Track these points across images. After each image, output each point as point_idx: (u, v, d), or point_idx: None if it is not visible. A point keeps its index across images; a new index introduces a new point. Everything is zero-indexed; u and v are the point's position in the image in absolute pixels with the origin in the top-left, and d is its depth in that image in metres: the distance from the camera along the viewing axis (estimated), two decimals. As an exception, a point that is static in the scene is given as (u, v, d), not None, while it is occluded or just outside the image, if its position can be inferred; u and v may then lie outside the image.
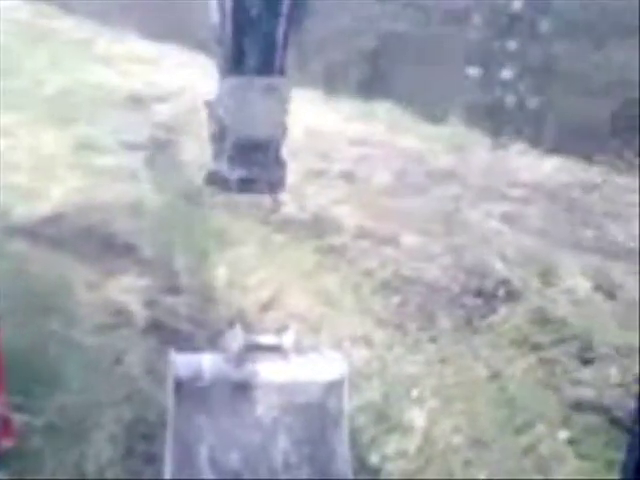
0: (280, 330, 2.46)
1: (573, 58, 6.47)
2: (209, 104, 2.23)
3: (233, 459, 2.47)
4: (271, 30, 2.06)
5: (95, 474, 2.69)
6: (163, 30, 8.38)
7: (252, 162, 2.15)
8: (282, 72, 2.09)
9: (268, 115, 2.10)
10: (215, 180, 2.24)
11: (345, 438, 2.49)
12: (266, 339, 2.45)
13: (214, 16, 2.01)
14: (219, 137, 2.16)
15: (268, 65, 2.08)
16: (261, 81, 2.06)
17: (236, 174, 2.17)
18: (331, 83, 7.37)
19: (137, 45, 8.48)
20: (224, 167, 2.18)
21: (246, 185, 2.19)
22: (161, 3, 8.57)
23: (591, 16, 6.42)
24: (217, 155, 2.21)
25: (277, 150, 2.18)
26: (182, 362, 2.45)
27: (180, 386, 2.40)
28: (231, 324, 2.58)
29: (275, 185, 2.23)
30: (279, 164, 2.21)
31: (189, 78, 7.42)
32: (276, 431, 2.51)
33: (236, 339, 2.43)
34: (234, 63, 2.06)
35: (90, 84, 7.04)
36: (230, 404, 2.48)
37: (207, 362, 2.47)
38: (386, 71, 7.43)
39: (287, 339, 2.46)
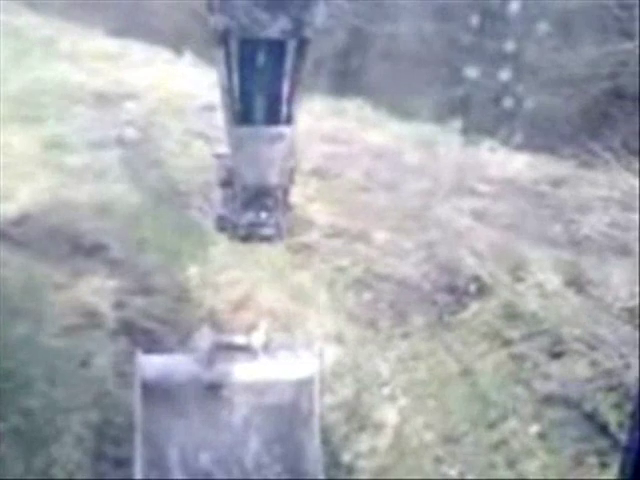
0: (250, 330, 2.44)
1: (543, 55, 6.51)
2: (218, 155, 2.37)
3: (204, 460, 2.45)
4: (276, 83, 2.14)
5: (64, 478, 2.64)
6: (127, 26, 8.29)
7: (261, 207, 2.26)
8: (289, 121, 2.17)
9: (275, 162, 2.19)
10: (224, 225, 2.36)
11: (316, 437, 2.49)
12: (235, 339, 2.43)
13: (222, 70, 2.07)
14: (228, 184, 2.27)
15: (274, 115, 2.16)
16: (268, 131, 2.14)
17: (245, 219, 2.27)
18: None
19: (102, 42, 8.37)
20: (233, 212, 2.29)
21: (255, 229, 2.30)
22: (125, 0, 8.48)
23: (562, 13, 6.46)
24: (226, 201, 2.32)
25: (285, 195, 2.31)
26: (149, 363, 2.41)
27: (147, 388, 2.37)
28: (201, 324, 2.56)
29: (282, 228, 2.35)
30: (287, 208, 2.34)
31: (155, 75, 7.34)
32: (247, 431, 2.49)
33: (205, 339, 2.41)
34: (242, 114, 2.14)
35: (56, 82, 6.93)
36: (199, 405, 2.46)
37: (175, 363, 2.44)
38: (357, 69, 7.42)
39: (257, 339, 2.44)
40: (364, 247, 4.60)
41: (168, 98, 6.69)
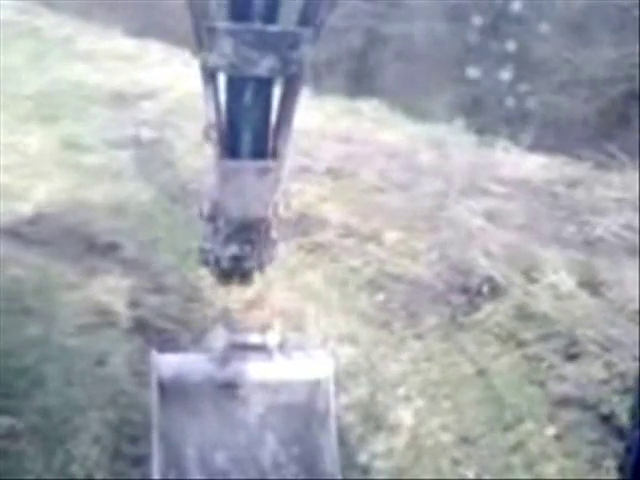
0: (265, 329, 2.44)
1: (560, 55, 6.49)
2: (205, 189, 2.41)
3: (221, 459, 2.46)
4: (263, 117, 2.19)
5: (83, 476, 2.66)
6: (144, 26, 8.33)
7: (244, 240, 2.27)
8: (275, 155, 2.20)
9: (261, 196, 2.21)
10: (207, 258, 2.36)
11: (333, 437, 2.48)
12: (250, 338, 2.43)
13: (209, 103, 2.11)
14: (213, 217, 2.27)
15: (261, 149, 2.20)
16: (254, 164, 2.17)
17: (229, 252, 2.28)
18: (317, 81, 7.35)
19: (120, 42, 8.41)
20: (217, 245, 2.29)
21: (238, 262, 2.30)
22: (143, 0, 8.52)
23: (578, 13, 6.44)
24: (210, 234, 2.32)
25: (268, 229, 2.29)
26: (164, 362, 2.42)
27: (163, 387, 2.38)
28: (215, 323, 2.57)
29: (265, 262, 2.36)
30: (270, 242, 2.33)
31: (172, 75, 7.37)
32: (263, 431, 2.49)
33: (219, 339, 2.41)
34: (229, 148, 2.18)
35: (73, 82, 6.97)
36: (215, 404, 2.46)
37: (190, 362, 2.45)
38: (372, 69, 7.42)
39: (271, 338, 2.44)
40: (377, 247, 4.60)
41: (184, 98, 6.72)
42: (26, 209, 4.61)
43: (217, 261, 2.32)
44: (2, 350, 3.04)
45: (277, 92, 2.21)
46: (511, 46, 6.65)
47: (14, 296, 3.66)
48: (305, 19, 2.13)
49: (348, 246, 4.57)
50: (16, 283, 3.79)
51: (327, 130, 6.38)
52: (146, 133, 6.09)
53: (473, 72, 6.75)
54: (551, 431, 3.08)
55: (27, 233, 4.38)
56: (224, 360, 2.42)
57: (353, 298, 4.04)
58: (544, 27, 6.59)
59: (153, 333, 3.49)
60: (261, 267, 2.37)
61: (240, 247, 2.28)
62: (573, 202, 5.45)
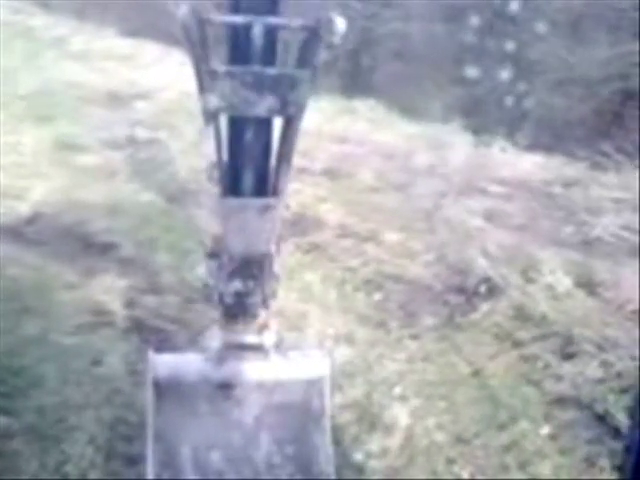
0: (261, 329, 2.44)
1: (555, 54, 6.50)
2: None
3: (215, 459, 2.45)
4: (264, 156, 2.26)
5: (77, 476, 2.66)
6: (139, 26, 8.33)
7: (247, 276, 2.31)
8: (276, 193, 2.26)
9: (263, 233, 2.27)
10: (211, 294, 2.41)
11: (328, 437, 2.48)
12: (247, 338, 2.43)
13: (211, 145, 2.17)
14: (216, 253, 2.32)
15: (262, 187, 2.26)
16: (256, 202, 2.23)
17: (232, 287, 2.32)
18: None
19: (114, 42, 8.41)
20: (220, 282, 2.33)
21: (241, 298, 2.34)
22: (137, 0, 8.51)
23: (573, 12, 6.45)
24: (213, 271, 2.37)
25: (271, 264, 2.33)
26: (161, 362, 2.42)
27: (159, 386, 2.38)
28: (212, 323, 2.57)
29: (268, 297, 2.40)
30: (273, 277, 2.37)
31: (167, 75, 7.37)
32: (258, 430, 2.49)
33: (215, 338, 2.41)
34: (231, 186, 2.24)
35: (68, 82, 6.97)
36: (211, 404, 2.46)
37: (186, 362, 2.45)
38: (368, 69, 7.43)
39: (268, 338, 2.44)
40: (374, 247, 4.60)
41: (179, 98, 6.72)
42: (22, 209, 4.61)
43: (221, 297, 2.36)
44: (0, 349, 3.04)
45: (277, 131, 2.27)
46: (507, 46, 6.66)
47: (11, 296, 3.66)
48: (303, 61, 2.19)
49: (346, 246, 4.58)
50: (13, 283, 3.79)
51: (324, 130, 6.39)
52: (141, 133, 6.09)
53: (469, 72, 6.76)
54: (546, 430, 3.08)
55: (24, 233, 4.38)
56: (220, 360, 2.41)
57: (350, 298, 4.04)
58: (540, 27, 6.60)
59: (150, 333, 3.48)
60: (265, 302, 2.40)
61: (244, 283, 2.32)
62: (570, 202, 5.45)
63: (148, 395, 2.39)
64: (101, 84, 7.02)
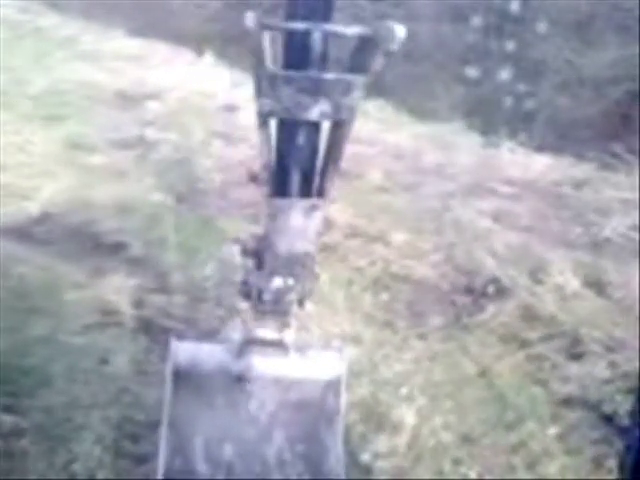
0: (281, 326, 2.46)
1: (563, 55, 6.48)
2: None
3: (227, 451, 2.49)
4: (310, 159, 2.34)
5: (85, 475, 2.67)
6: (148, 26, 8.35)
7: (288, 274, 2.37)
8: (321, 194, 2.34)
9: (307, 232, 2.33)
10: (249, 290, 2.45)
11: (339, 438, 2.50)
12: (268, 333, 2.45)
13: (263, 146, 2.24)
14: (258, 251, 2.39)
15: (308, 189, 2.35)
16: (302, 203, 2.31)
17: (273, 285, 2.37)
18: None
19: (123, 42, 8.43)
20: (261, 279, 2.39)
21: (280, 295, 2.40)
22: (146, 0, 8.54)
23: (581, 13, 6.43)
24: (253, 268, 2.42)
25: (312, 263, 2.40)
26: (181, 349, 2.46)
27: (178, 373, 2.42)
28: (223, 322, 2.60)
29: (306, 295, 2.45)
30: (312, 276, 2.44)
31: (176, 74, 7.39)
32: (272, 427, 2.52)
33: (236, 331, 2.45)
34: (278, 187, 2.32)
35: (77, 82, 6.99)
36: (227, 395, 2.50)
37: (206, 351, 2.49)
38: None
39: (288, 335, 2.47)
40: (382, 248, 4.60)
41: (188, 98, 6.74)
42: (31, 209, 4.64)
43: (259, 294, 2.40)
44: (7, 349, 3.06)
45: (326, 134, 2.33)
46: (515, 47, 6.65)
47: (19, 295, 3.68)
48: (356, 66, 2.25)
49: (354, 247, 4.58)
50: (21, 282, 3.82)
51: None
52: (151, 133, 6.11)
53: (478, 73, 6.75)
54: (553, 431, 3.08)
55: (33, 233, 4.40)
56: (240, 353, 2.46)
57: (358, 298, 4.05)
58: (547, 28, 6.58)
59: (158, 332, 3.50)
60: (301, 300, 2.45)
61: (284, 280, 2.38)
62: (579, 203, 5.44)
63: (166, 381, 2.43)
64: (110, 84, 7.04)
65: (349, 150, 6.38)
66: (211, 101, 6.77)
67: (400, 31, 2.13)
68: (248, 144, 5.41)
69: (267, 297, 2.39)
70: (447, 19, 7.12)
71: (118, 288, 3.88)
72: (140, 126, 6.09)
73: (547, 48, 6.57)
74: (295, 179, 2.33)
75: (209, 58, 7.75)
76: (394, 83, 7.32)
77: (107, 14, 8.57)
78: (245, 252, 2.43)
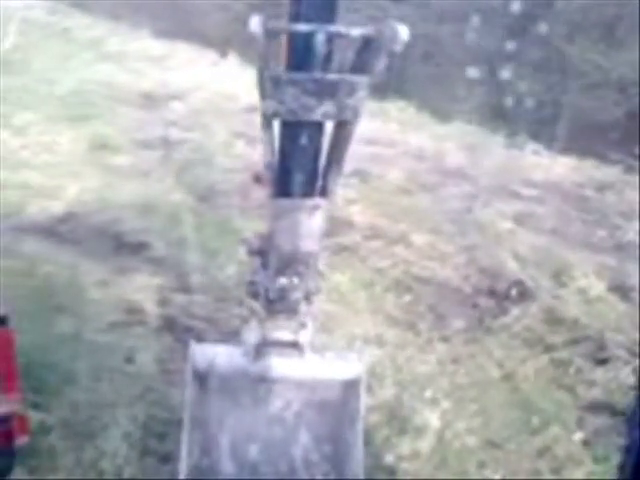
0: (298, 327, 2.46)
1: (588, 57, 6.43)
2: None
3: (252, 451, 2.50)
4: (313, 160, 2.34)
5: (113, 472, 2.69)
6: (172, 28, 8.41)
7: (293, 273, 2.39)
8: (324, 194, 2.35)
9: (310, 231, 2.35)
10: (256, 289, 2.47)
11: (360, 438, 2.49)
12: (284, 335, 2.46)
13: (266, 146, 2.25)
14: (263, 251, 2.41)
15: (311, 189, 2.35)
16: (305, 202, 2.32)
17: (278, 283, 2.39)
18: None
19: (148, 43, 8.50)
20: (266, 278, 2.41)
21: (286, 293, 2.41)
22: (171, 1, 8.59)
23: (607, 16, 6.37)
24: (259, 267, 2.45)
25: (316, 262, 2.41)
26: (201, 352, 2.49)
27: (197, 375, 2.43)
28: (245, 321, 2.60)
29: (312, 293, 2.45)
30: (317, 274, 2.45)
31: (200, 75, 7.44)
32: (296, 427, 2.52)
33: (253, 333, 2.45)
34: (282, 187, 2.33)
35: (103, 83, 7.06)
36: (248, 397, 2.51)
37: (225, 354, 2.51)
38: (399, 70, 7.40)
39: (304, 336, 2.46)
40: (404, 249, 4.59)
41: (212, 99, 6.77)
42: (57, 208, 4.68)
43: (266, 292, 2.42)
44: (34, 346, 3.08)
45: (329, 134, 2.34)
46: (540, 49, 6.61)
47: (45, 293, 3.72)
48: (359, 67, 2.25)
49: (375, 248, 4.57)
50: (47, 281, 3.85)
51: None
52: (174, 133, 6.14)
53: (502, 74, 6.71)
54: (579, 436, 3.05)
55: (58, 232, 4.44)
56: (258, 354, 2.47)
57: (380, 299, 4.04)
58: (572, 30, 6.53)
59: (181, 331, 3.51)
60: (308, 298, 2.45)
61: (289, 279, 2.39)
62: (603, 206, 5.40)
63: (188, 384, 2.44)
64: (135, 85, 7.10)
65: (370, 151, 6.41)
66: (234, 102, 6.80)
67: (403, 32, 2.12)
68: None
69: (273, 295, 2.40)
70: (470, 21, 7.08)
71: (142, 287, 3.90)
72: (164, 126, 6.14)
73: (572, 50, 6.52)
74: (298, 179, 2.34)
75: (232, 59, 7.79)
76: (415, 84, 7.31)
77: (134, 15, 8.64)
78: (251, 252, 2.45)
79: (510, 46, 6.68)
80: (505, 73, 6.65)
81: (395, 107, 7.00)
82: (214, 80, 7.29)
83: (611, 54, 6.36)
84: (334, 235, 4.64)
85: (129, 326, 3.56)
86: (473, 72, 6.87)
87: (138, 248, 4.32)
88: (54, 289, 3.79)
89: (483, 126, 6.60)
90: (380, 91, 7.26)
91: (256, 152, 5.70)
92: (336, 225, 4.79)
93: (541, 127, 6.35)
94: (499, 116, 6.61)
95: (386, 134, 6.44)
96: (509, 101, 6.61)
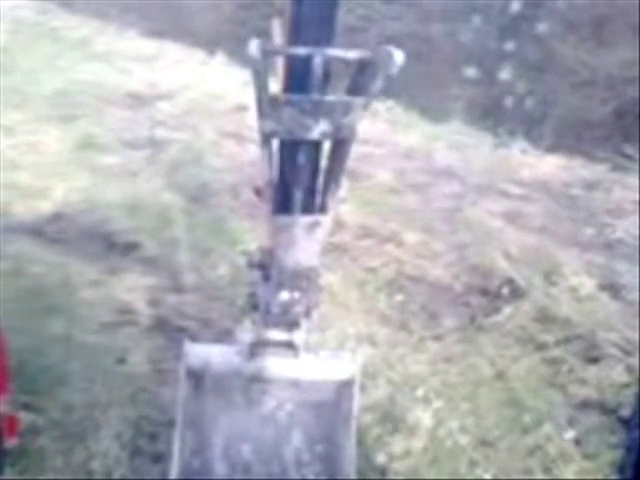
0: (291, 327, 2.47)
1: (577, 56, 6.46)
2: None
3: (244, 451, 2.50)
4: (312, 177, 2.39)
5: (102, 473, 2.68)
6: (161, 27, 8.38)
7: (294, 287, 2.41)
8: (323, 210, 2.39)
9: (310, 247, 2.38)
10: (256, 302, 2.51)
11: (353, 438, 2.50)
12: (277, 335, 2.46)
13: (265, 165, 2.29)
14: (264, 265, 2.43)
15: (310, 205, 2.39)
16: (304, 219, 2.35)
17: (279, 298, 2.41)
18: (332, 81, 7.36)
19: (136, 43, 8.47)
20: (267, 291, 2.43)
21: (286, 307, 2.44)
22: (160, 1, 8.57)
23: (595, 13, 6.41)
24: (260, 281, 2.48)
25: (316, 277, 2.44)
26: (194, 351, 2.49)
27: (191, 375, 2.43)
28: (237, 321, 2.60)
29: (312, 308, 2.48)
30: (317, 289, 2.47)
31: (188, 75, 7.42)
32: (289, 427, 2.53)
33: (247, 333, 2.46)
34: (281, 204, 2.37)
35: (90, 82, 7.02)
36: (240, 396, 2.51)
37: (219, 353, 2.51)
38: (387, 69, 7.40)
39: (298, 336, 2.47)
40: (395, 248, 4.59)
41: (200, 98, 6.76)
42: (46, 208, 4.65)
43: (267, 307, 2.44)
44: (25, 347, 3.07)
45: (327, 152, 2.39)
46: (527, 47, 6.63)
47: (35, 294, 3.69)
48: (355, 88, 2.30)
49: (366, 247, 4.58)
50: (36, 281, 3.83)
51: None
52: (163, 133, 6.12)
53: (489, 73, 6.73)
54: (570, 434, 3.07)
55: (46, 232, 4.41)
56: (251, 354, 2.48)
57: (372, 299, 4.04)
58: (560, 28, 6.56)
59: (173, 331, 3.50)
60: (308, 313, 2.48)
61: (290, 293, 2.42)
62: (592, 204, 5.42)
63: (180, 382, 2.44)
64: (123, 85, 7.06)
65: (359, 151, 6.42)
66: (222, 101, 6.79)
67: (399, 56, 2.17)
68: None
69: (275, 310, 2.43)
70: (458, 20, 7.11)
71: (133, 287, 3.89)
72: (152, 127, 6.11)
73: (560, 48, 6.55)
74: (297, 196, 2.38)
75: (220, 58, 7.77)
76: (404, 84, 7.31)
77: (122, 15, 8.60)
78: (251, 265, 2.47)
79: (500, 45, 6.71)
80: (495, 72, 6.68)
81: (383, 106, 7.00)
82: (203, 80, 7.28)
83: (599, 52, 6.40)
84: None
85: (121, 326, 3.55)
86: (462, 71, 6.90)
87: (128, 248, 4.31)
88: (44, 290, 3.77)
89: (472, 125, 6.61)
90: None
91: (246, 152, 5.71)
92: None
93: (529, 125, 6.38)
94: (488, 115, 6.63)
95: (375, 134, 6.43)
96: (498, 100, 6.64)
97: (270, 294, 2.41)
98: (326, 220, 2.37)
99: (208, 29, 8.12)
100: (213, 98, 6.83)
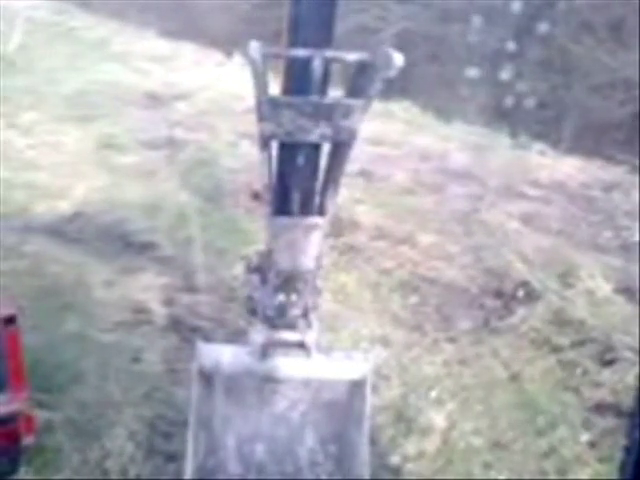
0: (303, 327, 2.47)
1: (595, 57, 6.41)
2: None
3: (258, 451, 2.51)
4: (310, 180, 2.41)
5: (118, 472, 2.70)
6: (178, 28, 8.42)
7: (292, 290, 2.43)
8: (321, 212, 2.41)
9: (308, 249, 2.39)
10: (254, 305, 2.52)
11: (365, 438, 2.50)
12: (289, 335, 2.46)
13: (264, 169, 2.29)
14: (262, 268, 2.45)
15: (308, 208, 2.42)
16: (303, 221, 2.37)
17: (276, 300, 2.43)
18: (348, 82, 7.34)
19: (154, 43, 8.52)
20: (265, 294, 2.45)
21: (284, 309, 2.45)
22: (177, 2, 8.60)
23: (614, 16, 6.36)
24: (258, 284, 2.49)
25: (314, 279, 2.45)
26: (207, 351, 2.50)
27: (205, 375, 2.44)
28: (250, 321, 2.61)
29: (310, 310, 2.48)
30: (315, 291, 2.47)
31: (206, 76, 7.45)
32: (302, 427, 2.53)
33: (259, 334, 2.46)
34: (280, 206, 2.39)
35: (108, 82, 7.07)
36: (254, 397, 2.52)
37: (231, 353, 2.52)
38: (404, 70, 7.39)
39: (310, 336, 2.47)
40: (410, 250, 4.58)
41: (217, 99, 6.78)
42: (64, 208, 4.69)
43: (264, 309, 2.45)
44: (41, 345, 3.10)
45: (326, 155, 2.39)
46: (546, 49, 6.59)
47: (52, 293, 3.73)
48: (355, 90, 2.31)
49: (381, 248, 4.57)
50: (54, 280, 3.86)
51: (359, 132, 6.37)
52: (180, 133, 6.15)
53: (507, 74, 6.70)
54: (585, 437, 3.05)
55: (65, 231, 4.45)
56: (263, 354, 2.48)
57: (386, 300, 4.04)
58: (579, 30, 6.52)
59: (187, 331, 3.52)
60: (306, 315, 2.47)
61: (287, 296, 2.42)
62: (610, 206, 5.38)
63: (193, 383, 2.45)
64: (141, 85, 7.11)
65: (375, 152, 6.39)
66: (239, 102, 6.80)
67: (398, 59, 2.19)
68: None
69: (271, 312, 2.43)
70: (475, 21, 7.07)
71: (148, 287, 3.91)
72: (169, 127, 6.15)
73: (579, 50, 6.50)
74: (296, 198, 2.39)
75: (238, 59, 7.79)
76: (420, 84, 7.30)
77: (140, 15, 8.65)
78: (249, 269, 2.49)
79: (516, 46, 6.67)
80: (511, 73, 6.64)
81: (400, 107, 6.99)
82: (220, 80, 7.30)
83: (618, 54, 6.35)
84: (340, 235, 4.64)
85: (135, 326, 3.57)
86: (478, 72, 6.86)
87: (144, 248, 4.33)
88: (61, 289, 3.80)
89: (488, 126, 6.58)
90: (385, 91, 7.25)
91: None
92: (342, 225, 4.78)
93: (547, 127, 6.34)
94: (505, 116, 6.60)
95: (390, 135, 6.43)
96: (516, 101, 6.60)
97: (268, 297, 2.42)
98: (324, 222, 2.37)
99: (225, 30, 8.15)
100: (230, 99, 6.85)
